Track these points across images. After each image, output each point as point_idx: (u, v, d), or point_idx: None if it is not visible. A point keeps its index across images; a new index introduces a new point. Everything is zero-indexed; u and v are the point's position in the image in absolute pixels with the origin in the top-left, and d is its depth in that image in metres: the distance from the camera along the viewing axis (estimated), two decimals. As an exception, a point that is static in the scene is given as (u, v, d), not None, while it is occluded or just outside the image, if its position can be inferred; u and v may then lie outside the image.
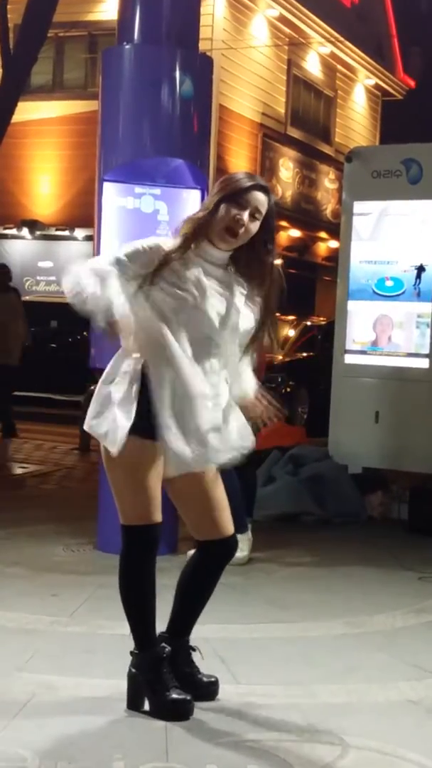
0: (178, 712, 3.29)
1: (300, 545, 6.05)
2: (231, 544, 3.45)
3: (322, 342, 12.81)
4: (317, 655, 4.07)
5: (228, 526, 3.40)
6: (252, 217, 3.23)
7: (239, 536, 5.43)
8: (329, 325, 11.49)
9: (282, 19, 20.37)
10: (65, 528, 6.07)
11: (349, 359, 7.54)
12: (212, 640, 4.11)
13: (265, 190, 3.28)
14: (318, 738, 3.23)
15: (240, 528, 5.45)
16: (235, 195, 3.21)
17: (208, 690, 3.47)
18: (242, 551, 5.45)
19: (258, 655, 4.05)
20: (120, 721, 3.30)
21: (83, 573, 5.16)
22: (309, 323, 14.75)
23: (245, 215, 3.21)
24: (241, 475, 5.62)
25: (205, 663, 3.84)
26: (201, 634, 4.18)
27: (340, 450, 7.40)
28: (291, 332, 14.09)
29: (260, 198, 3.25)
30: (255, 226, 3.25)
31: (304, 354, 13.54)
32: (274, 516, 6.65)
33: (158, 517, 3.30)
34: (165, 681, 3.32)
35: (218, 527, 3.38)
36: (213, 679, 3.50)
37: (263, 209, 3.26)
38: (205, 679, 3.49)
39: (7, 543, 5.73)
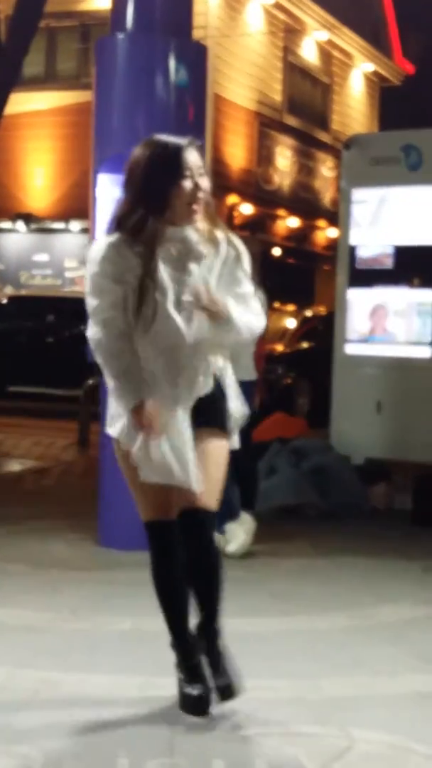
0: (189, 708, 3.26)
1: (303, 537, 6.02)
2: (202, 516, 3.28)
3: (323, 332, 12.77)
4: (323, 648, 4.05)
5: (204, 498, 3.25)
6: (200, 176, 3.17)
7: (232, 525, 5.45)
8: (329, 315, 11.45)
9: (277, 5, 20.28)
10: (66, 524, 6.04)
11: (349, 349, 7.50)
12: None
13: (190, 144, 3.18)
14: (325, 731, 3.22)
15: (232, 516, 5.44)
16: (175, 172, 3.12)
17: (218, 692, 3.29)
18: (237, 539, 5.43)
19: (263, 648, 4.02)
20: (124, 717, 3.29)
21: (85, 569, 5.14)
22: (309, 313, 14.69)
23: (196, 181, 3.15)
24: (238, 466, 5.59)
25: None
26: (204, 629, 4.17)
27: (342, 441, 7.37)
28: (291, 323, 14.03)
29: (191, 156, 3.16)
30: (207, 182, 3.19)
31: (305, 345, 13.49)
32: (277, 508, 6.62)
33: (167, 514, 3.26)
34: (187, 672, 3.30)
35: (195, 495, 3.24)
36: (228, 683, 3.28)
37: (201, 162, 3.19)
38: (217, 682, 3.29)
39: (7, 539, 5.71)
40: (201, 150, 3.20)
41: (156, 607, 3.35)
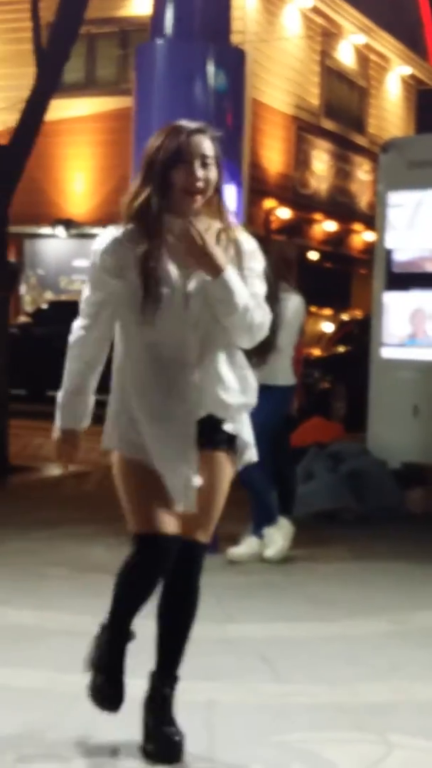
0: (96, 697, 3.06)
1: (340, 542, 6.01)
2: (194, 548, 3.05)
3: (360, 336, 12.73)
4: (360, 653, 4.04)
5: (196, 529, 3.02)
6: (204, 165, 2.92)
7: (270, 529, 5.45)
8: (366, 319, 11.42)
9: (315, 9, 20.26)
10: (106, 528, 6.06)
11: (386, 353, 7.48)
12: (255, 639, 4.11)
13: (202, 131, 2.96)
14: (363, 737, 3.21)
15: (270, 521, 5.44)
16: (176, 154, 2.91)
17: (165, 747, 3.00)
18: (276, 544, 5.43)
19: (301, 653, 4.02)
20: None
21: (110, 573, 5.15)
22: (346, 317, 14.66)
23: (197, 168, 2.90)
24: (280, 471, 5.60)
25: (247, 662, 3.84)
26: (243, 633, 4.19)
27: (379, 445, 7.35)
28: (328, 327, 14.01)
29: (200, 142, 2.93)
30: (213, 173, 2.94)
31: (342, 349, 13.46)
32: (314, 513, 6.61)
33: (165, 527, 2.97)
34: (106, 663, 3.06)
35: (186, 525, 3.00)
36: (177, 739, 3.01)
37: (211, 152, 2.94)
38: (167, 734, 3.02)
39: (48, 544, 5.75)
40: (218, 141, 2.98)
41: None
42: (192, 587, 3.08)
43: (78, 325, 3.04)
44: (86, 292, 3.02)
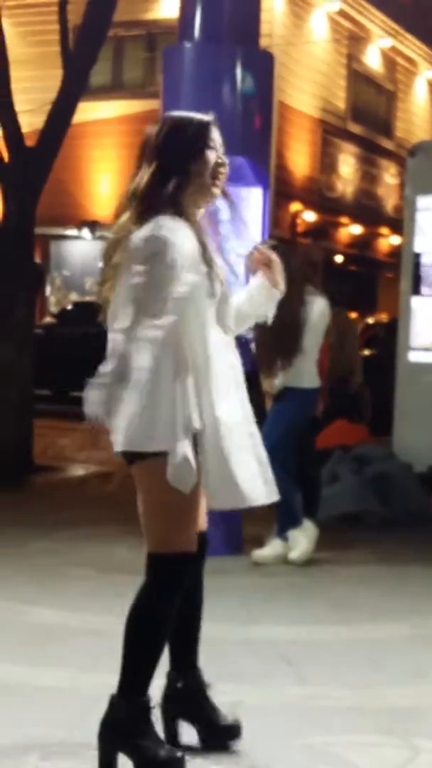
0: None
1: (364, 545, 5.99)
2: (206, 542, 3.02)
3: (385, 339, 12.68)
4: (384, 657, 4.03)
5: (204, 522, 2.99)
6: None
7: (294, 532, 5.44)
8: (392, 322, 11.39)
9: (342, 13, 20.26)
10: (129, 528, 6.05)
11: (413, 357, 7.46)
12: (279, 642, 4.10)
13: (214, 122, 2.92)
14: (387, 741, 3.20)
15: (295, 523, 5.43)
16: (199, 142, 2.86)
17: (225, 734, 3.05)
18: (300, 546, 5.42)
19: (325, 656, 4.01)
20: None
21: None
22: (371, 320, 14.63)
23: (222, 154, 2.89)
24: (305, 474, 5.58)
25: (271, 665, 3.84)
26: (267, 635, 4.19)
27: (404, 448, 7.33)
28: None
29: (217, 133, 2.90)
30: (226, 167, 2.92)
31: (367, 352, 13.42)
32: (339, 516, 6.60)
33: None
34: (152, 736, 2.84)
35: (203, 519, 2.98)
36: (233, 723, 3.05)
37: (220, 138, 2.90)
38: (222, 722, 3.06)
39: (71, 544, 5.77)
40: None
41: (218, 611, 3.33)
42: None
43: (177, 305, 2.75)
44: (186, 277, 2.72)
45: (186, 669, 3.07)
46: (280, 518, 5.46)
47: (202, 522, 2.99)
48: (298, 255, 5.55)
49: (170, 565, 2.83)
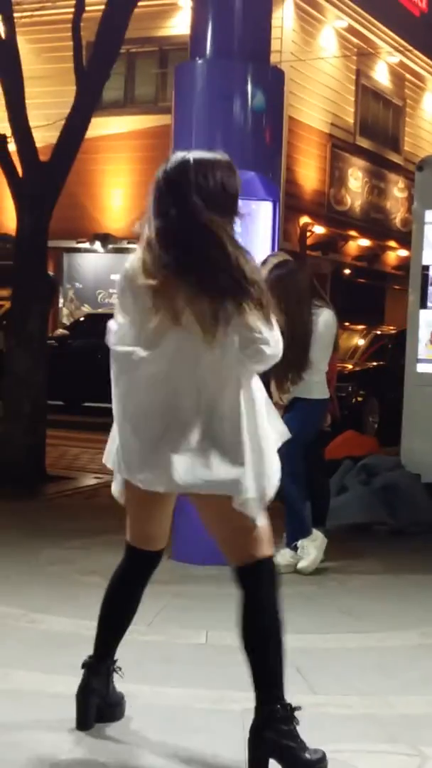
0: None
1: (373, 555, 6.02)
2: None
3: (392, 350, 12.73)
4: (393, 666, 4.06)
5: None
6: None
7: (304, 541, 5.48)
8: (399, 334, 11.43)
9: (350, 29, 20.37)
10: (140, 537, 6.10)
11: (421, 368, 7.50)
12: (288, 650, 4.11)
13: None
14: (396, 749, 3.22)
15: (304, 533, 5.48)
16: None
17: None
18: (309, 556, 5.46)
19: (334, 664, 4.04)
20: (198, 730, 3.32)
21: (159, 582, 5.14)
22: (379, 332, 14.68)
23: None
24: (314, 484, 5.63)
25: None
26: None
27: (413, 459, 7.35)
28: (361, 341, 14.03)
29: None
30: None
31: (374, 363, 13.47)
32: (347, 526, 6.63)
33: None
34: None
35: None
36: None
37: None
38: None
39: (83, 552, 5.81)
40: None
41: (227, 620, 3.37)
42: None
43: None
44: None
45: (109, 655, 3.36)
46: (289, 528, 5.51)
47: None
48: (306, 269, 5.60)
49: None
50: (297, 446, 5.39)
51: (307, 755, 2.91)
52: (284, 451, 4.94)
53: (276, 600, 3.06)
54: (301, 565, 5.44)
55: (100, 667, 3.34)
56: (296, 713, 2.97)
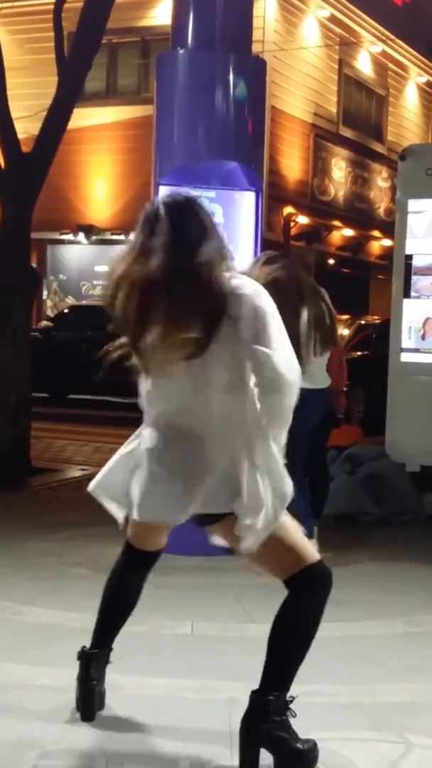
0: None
1: (358, 544, 6.05)
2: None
3: (377, 341, 12.75)
4: (379, 654, 4.08)
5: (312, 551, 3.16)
6: None
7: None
8: (384, 324, 11.44)
9: (333, 19, 20.35)
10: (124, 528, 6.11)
11: (405, 357, 7.51)
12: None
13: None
14: (382, 737, 3.24)
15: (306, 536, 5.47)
16: None
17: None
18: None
19: (320, 654, 4.01)
20: (186, 720, 3.34)
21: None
22: (363, 322, 14.70)
23: None
24: (313, 475, 5.59)
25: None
26: (263, 633, 4.18)
27: (397, 448, 7.37)
28: (345, 331, 14.05)
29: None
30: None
31: (359, 353, 13.49)
32: (332, 515, 6.65)
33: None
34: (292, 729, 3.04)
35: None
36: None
37: None
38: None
39: (69, 544, 5.81)
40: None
41: (213, 610, 3.39)
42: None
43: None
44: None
45: (109, 645, 3.40)
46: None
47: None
48: (295, 266, 5.54)
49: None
50: (301, 437, 5.35)
51: (299, 745, 2.95)
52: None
53: (318, 605, 3.12)
54: None
55: (99, 656, 3.37)
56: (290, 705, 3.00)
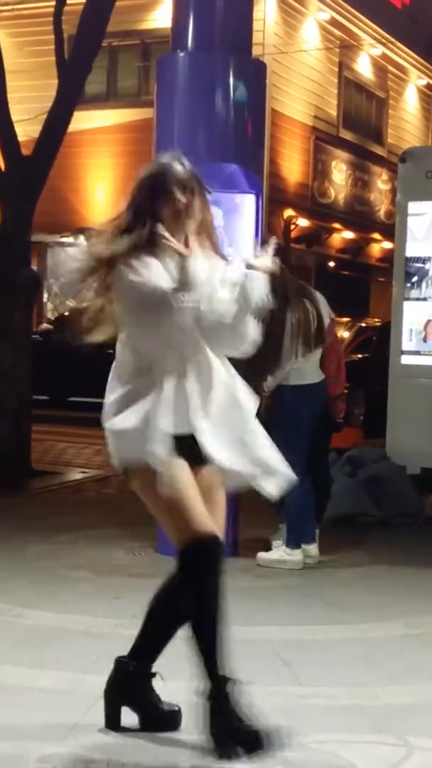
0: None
1: (359, 547, 6.05)
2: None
3: (378, 343, 12.75)
4: (379, 657, 4.08)
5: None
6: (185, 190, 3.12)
7: (308, 547, 5.47)
8: (384, 326, 11.45)
9: (333, 21, 20.35)
10: (126, 531, 6.12)
11: (405, 360, 7.52)
12: (275, 642, 4.15)
13: (177, 160, 3.20)
14: (382, 739, 3.24)
15: (303, 535, 5.47)
16: (161, 186, 3.15)
17: (169, 721, 3.24)
18: (275, 553, 5.46)
19: (320, 656, 4.06)
20: (187, 721, 3.32)
21: (145, 576, 5.19)
22: (363, 324, 14.70)
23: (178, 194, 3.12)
24: (315, 479, 5.57)
25: (267, 665, 3.89)
26: (264, 635, 4.23)
27: (398, 451, 7.37)
28: (345, 334, 14.05)
29: (180, 172, 3.16)
30: (198, 204, 3.14)
31: (359, 355, 13.49)
32: (333, 517, 6.64)
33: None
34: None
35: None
36: (176, 708, 3.25)
37: (196, 184, 3.17)
38: (167, 709, 3.26)
39: (69, 547, 5.81)
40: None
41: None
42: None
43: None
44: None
45: (152, 659, 3.26)
46: (290, 529, 5.46)
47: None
48: (284, 270, 5.49)
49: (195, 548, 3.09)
50: (301, 438, 5.34)
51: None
52: (286, 443, 4.94)
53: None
54: (261, 554, 5.44)
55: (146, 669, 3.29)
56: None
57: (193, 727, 3.28)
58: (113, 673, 3.24)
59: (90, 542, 5.91)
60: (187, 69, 5.68)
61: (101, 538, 6.02)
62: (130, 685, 3.22)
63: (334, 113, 21.22)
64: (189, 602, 3.12)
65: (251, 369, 5.18)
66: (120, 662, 3.24)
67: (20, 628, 4.33)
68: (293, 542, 5.43)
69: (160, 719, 3.23)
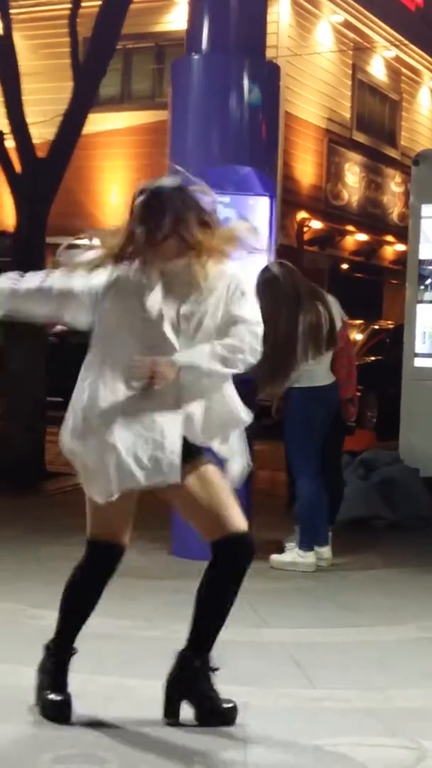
0: (54, 713, 3.33)
1: (372, 549, 6.04)
2: (246, 541, 3.30)
3: (390, 346, 12.74)
4: (392, 660, 4.07)
5: (240, 522, 3.28)
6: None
7: (321, 549, 5.47)
8: (397, 329, 11.44)
9: (346, 24, 20.34)
10: (139, 533, 6.06)
11: (418, 362, 7.51)
12: (287, 644, 4.15)
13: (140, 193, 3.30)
14: (396, 742, 3.23)
15: (317, 538, 5.47)
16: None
17: (225, 716, 3.30)
18: (287, 555, 5.46)
19: (333, 659, 4.06)
20: (198, 725, 3.33)
21: (158, 577, 5.22)
22: (377, 327, 14.69)
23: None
24: (328, 481, 5.57)
25: (280, 667, 3.89)
26: (276, 638, 4.24)
27: (411, 453, 7.37)
28: (359, 336, 14.05)
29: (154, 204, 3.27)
30: (167, 223, 3.26)
31: (372, 358, 13.48)
32: (346, 520, 6.64)
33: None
34: (51, 681, 3.40)
35: (228, 523, 3.27)
36: (231, 705, 3.33)
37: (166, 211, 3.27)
38: (223, 705, 3.31)
39: (81, 548, 5.79)
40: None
41: (230, 615, 3.39)
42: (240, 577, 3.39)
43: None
44: None
45: (204, 650, 3.31)
46: (303, 531, 5.47)
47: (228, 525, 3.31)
48: (293, 274, 5.48)
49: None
50: (312, 440, 5.34)
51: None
52: (297, 446, 4.90)
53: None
54: (274, 556, 5.44)
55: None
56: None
57: (206, 726, 3.30)
58: (176, 667, 3.29)
59: (103, 543, 5.89)
60: (201, 71, 5.69)
61: (114, 539, 6.01)
62: (194, 680, 3.27)
63: (348, 115, 21.19)
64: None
65: (265, 372, 5.22)
66: (184, 657, 3.30)
67: (34, 629, 4.32)
68: (306, 544, 5.43)
69: (216, 714, 3.27)
